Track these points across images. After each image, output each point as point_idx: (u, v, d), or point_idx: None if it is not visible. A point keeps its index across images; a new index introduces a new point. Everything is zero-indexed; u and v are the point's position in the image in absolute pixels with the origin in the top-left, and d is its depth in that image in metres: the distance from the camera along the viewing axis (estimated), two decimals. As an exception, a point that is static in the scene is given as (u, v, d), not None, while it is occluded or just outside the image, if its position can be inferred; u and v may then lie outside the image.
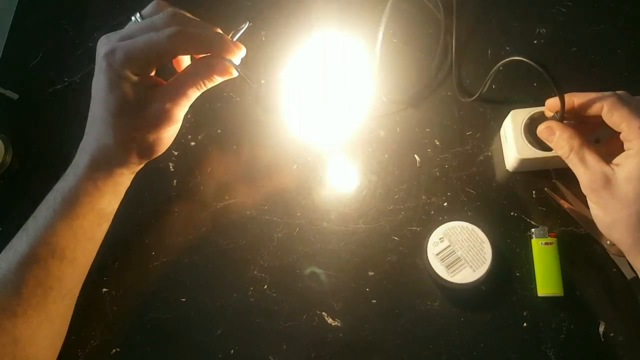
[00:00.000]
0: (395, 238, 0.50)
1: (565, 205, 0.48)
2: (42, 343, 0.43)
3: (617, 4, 0.55)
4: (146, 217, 0.53)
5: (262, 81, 0.45)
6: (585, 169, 0.40)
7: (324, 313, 0.48)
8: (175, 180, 0.54)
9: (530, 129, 0.46)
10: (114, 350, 0.49)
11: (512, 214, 0.49)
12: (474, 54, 0.55)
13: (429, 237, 0.46)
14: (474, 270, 0.45)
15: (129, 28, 0.42)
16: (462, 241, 0.46)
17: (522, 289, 0.47)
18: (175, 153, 0.54)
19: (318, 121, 0.52)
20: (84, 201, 0.43)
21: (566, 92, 0.42)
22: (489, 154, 0.52)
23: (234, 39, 0.44)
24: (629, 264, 0.46)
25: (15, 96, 0.58)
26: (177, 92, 0.41)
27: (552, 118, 0.44)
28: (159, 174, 0.54)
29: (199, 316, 0.49)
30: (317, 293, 0.49)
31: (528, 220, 0.49)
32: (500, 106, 0.52)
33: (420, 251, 0.49)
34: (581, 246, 0.48)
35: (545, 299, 0.46)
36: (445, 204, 0.50)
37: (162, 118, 0.42)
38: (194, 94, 0.42)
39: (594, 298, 0.46)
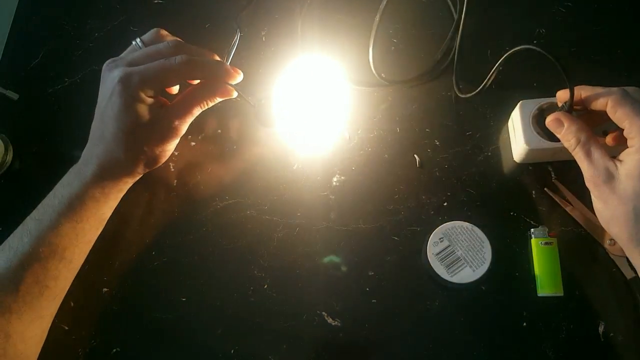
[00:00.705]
0: (395, 238, 0.50)
1: (565, 205, 0.48)
2: (31, 340, 0.45)
3: (617, 4, 0.55)
4: (146, 217, 0.53)
5: (262, 100, 0.51)
6: (590, 162, 0.41)
7: (324, 313, 0.48)
8: (175, 180, 0.54)
9: (539, 120, 0.46)
10: (114, 350, 0.49)
11: (512, 214, 0.49)
12: (473, 54, 0.55)
13: (428, 237, 0.46)
14: (473, 270, 0.45)
15: (135, 54, 0.47)
16: (462, 241, 0.46)
17: (522, 289, 0.47)
18: (176, 153, 0.54)
19: (314, 128, 0.53)
20: (89, 206, 0.46)
21: (576, 85, 0.42)
22: (489, 153, 0.52)
23: (231, 53, 0.51)
24: (629, 262, 0.46)
25: (15, 96, 0.58)
26: (184, 111, 0.47)
27: (561, 109, 0.44)
28: (159, 174, 0.54)
29: (199, 316, 0.49)
30: (317, 293, 0.49)
31: (528, 220, 0.49)
32: (500, 106, 0.52)
33: (420, 251, 0.49)
34: (581, 246, 0.48)
35: (545, 298, 0.46)
36: (445, 203, 0.50)
37: (170, 134, 0.47)
38: (197, 112, 0.48)
39: (593, 298, 0.46)
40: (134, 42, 0.48)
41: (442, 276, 0.45)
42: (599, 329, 0.46)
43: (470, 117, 0.53)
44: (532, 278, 0.47)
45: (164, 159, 0.49)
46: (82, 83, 0.59)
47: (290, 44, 0.57)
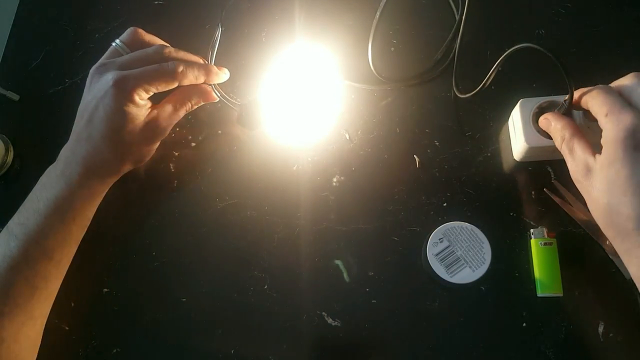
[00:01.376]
0: (395, 238, 0.50)
1: (565, 205, 0.48)
2: (25, 342, 0.45)
3: (617, 4, 0.55)
4: (147, 217, 0.53)
5: (239, 102, 0.53)
6: (572, 159, 0.41)
7: (324, 313, 0.48)
8: (175, 181, 0.54)
9: (539, 118, 0.46)
10: (114, 351, 0.49)
11: (511, 214, 0.49)
12: (472, 54, 0.55)
13: (428, 238, 0.46)
14: (473, 271, 0.45)
15: (124, 58, 0.48)
16: (462, 241, 0.46)
17: (522, 289, 0.47)
18: (176, 154, 0.55)
19: (313, 127, 0.53)
20: (77, 207, 0.47)
21: (575, 85, 0.42)
22: (489, 154, 0.52)
23: (215, 48, 0.52)
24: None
25: (16, 97, 0.58)
26: (172, 113, 0.50)
27: (561, 107, 0.44)
28: (160, 174, 0.54)
29: (199, 316, 0.49)
30: (317, 293, 0.49)
31: (527, 220, 0.49)
32: (500, 107, 0.52)
33: (419, 251, 0.49)
34: (580, 246, 0.48)
35: (545, 299, 0.46)
36: (444, 204, 0.50)
37: (158, 134, 0.49)
38: (183, 114, 0.51)
39: (593, 298, 0.46)
40: (114, 44, 0.49)
41: (442, 276, 0.45)
42: (599, 329, 0.46)
43: (470, 117, 0.53)
44: (531, 278, 0.47)
45: (148, 157, 0.51)
46: (83, 84, 0.58)
47: (290, 44, 0.57)
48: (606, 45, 0.54)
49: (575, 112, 0.44)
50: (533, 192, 0.50)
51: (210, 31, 0.59)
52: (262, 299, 0.49)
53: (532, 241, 0.47)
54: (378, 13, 0.57)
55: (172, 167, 0.54)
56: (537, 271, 0.46)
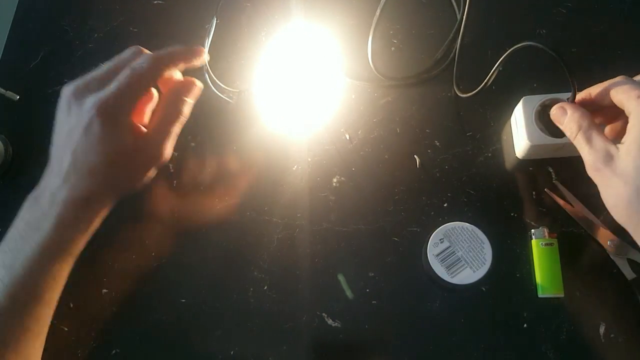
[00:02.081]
0: (396, 239, 0.50)
1: (566, 206, 0.48)
2: None
3: (617, 4, 0.55)
4: (146, 218, 0.53)
5: (233, 99, 0.50)
6: (591, 148, 0.40)
7: (324, 314, 0.48)
8: (175, 181, 0.54)
9: (542, 116, 0.46)
10: (114, 351, 0.49)
11: (512, 214, 0.49)
12: (473, 54, 0.55)
13: (429, 238, 0.46)
14: (474, 271, 0.45)
15: (95, 72, 0.44)
16: (463, 242, 0.46)
17: (523, 289, 0.47)
18: (175, 154, 0.54)
19: (313, 127, 0.53)
20: (66, 248, 0.43)
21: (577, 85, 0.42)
22: (489, 154, 0.52)
23: (209, 39, 0.49)
24: (630, 263, 0.46)
25: (15, 97, 0.58)
26: (166, 136, 0.45)
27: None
28: (159, 174, 0.53)
29: (199, 317, 0.49)
30: (317, 294, 0.49)
31: (528, 221, 0.49)
32: (501, 107, 0.52)
33: (420, 252, 0.48)
34: (581, 247, 0.48)
35: (546, 299, 0.46)
36: (445, 204, 0.50)
37: (154, 161, 0.45)
38: (178, 130, 0.46)
39: (594, 299, 0.46)
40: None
41: (443, 277, 0.45)
42: (600, 330, 0.45)
43: (471, 117, 0.53)
44: (532, 279, 0.47)
45: (141, 186, 0.47)
46: (82, 84, 0.58)
47: (290, 45, 0.57)
48: (606, 45, 0.54)
49: None
50: (534, 193, 0.50)
51: (209, 31, 0.59)
52: (261, 299, 0.49)
53: (533, 242, 0.47)
54: (378, 11, 0.57)
55: (171, 168, 0.54)
56: (538, 272, 0.46)
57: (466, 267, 0.45)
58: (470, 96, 0.51)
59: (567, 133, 0.42)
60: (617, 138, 0.41)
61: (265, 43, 0.58)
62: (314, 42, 0.56)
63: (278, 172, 0.53)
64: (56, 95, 0.59)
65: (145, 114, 0.48)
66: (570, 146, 0.42)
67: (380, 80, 0.55)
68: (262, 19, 0.59)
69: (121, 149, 0.43)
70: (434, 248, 0.46)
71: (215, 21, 0.52)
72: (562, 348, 0.45)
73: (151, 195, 0.53)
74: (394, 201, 0.51)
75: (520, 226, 0.49)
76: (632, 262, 0.46)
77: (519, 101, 0.48)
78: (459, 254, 0.45)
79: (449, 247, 0.46)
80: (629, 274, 0.46)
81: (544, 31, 0.55)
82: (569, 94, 0.43)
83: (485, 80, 0.48)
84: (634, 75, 0.42)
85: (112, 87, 0.43)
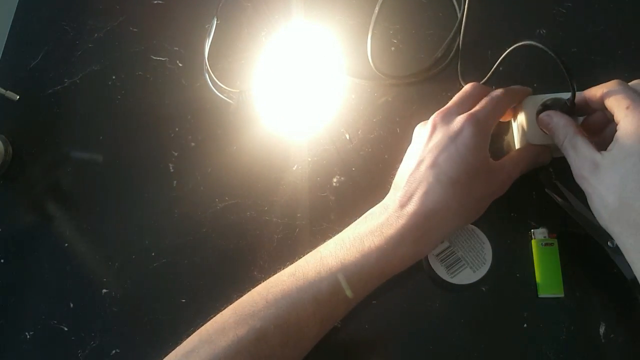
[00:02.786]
0: (395, 239, 0.50)
1: (566, 205, 0.48)
2: None
3: (617, 4, 0.55)
4: (146, 217, 0.53)
5: (233, 99, 0.50)
6: (576, 155, 0.40)
7: (324, 314, 0.48)
8: (175, 181, 0.54)
9: (538, 116, 0.46)
10: (113, 351, 0.49)
11: (512, 214, 0.49)
12: (473, 54, 0.55)
13: (429, 238, 0.46)
14: (474, 271, 0.45)
15: (447, 106, 0.45)
16: (463, 242, 0.46)
17: (523, 289, 0.47)
18: (175, 154, 0.54)
19: (313, 126, 0.53)
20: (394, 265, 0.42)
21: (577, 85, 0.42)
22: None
23: (209, 39, 0.49)
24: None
25: (15, 97, 0.58)
26: (516, 169, 0.45)
27: (564, 106, 0.44)
28: (159, 174, 0.54)
29: (199, 317, 0.49)
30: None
31: (528, 221, 0.49)
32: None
33: (420, 252, 0.48)
34: (581, 247, 0.48)
35: (546, 299, 0.46)
36: (445, 204, 0.50)
37: (498, 193, 0.44)
38: (526, 170, 0.46)
39: (594, 299, 0.46)
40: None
41: (443, 277, 0.45)
42: (600, 330, 0.45)
43: (471, 117, 0.53)
44: (532, 279, 0.47)
45: (478, 216, 0.44)
46: (82, 84, 0.59)
47: (290, 45, 0.57)
48: (606, 45, 0.54)
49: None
50: (534, 193, 0.50)
51: (209, 31, 0.59)
52: (262, 299, 0.49)
53: (533, 241, 0.47)
54: (376, 9, 0.57)
55: (171, 168, 0.54)
56: (538, 272, 0.46)
57: (466, 267, 0.45)
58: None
59: (555, 140, 0.43)
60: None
61: (266, 43, 0.58)
62: (314, 42, 0.56)
63: (278, 172, 0.53)
64: (56, 95, 0.59)
65: None
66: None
67: (381, 78, 0.55)
68: (262, 19, 0.59)
69: (483, 165, 0.42)
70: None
71: (215, 21, 0.52)
72: (562, 348, 0.45)
73: (151, 195, 0.53)
74: (394, 201, 0.51)
75: (520, 226, 0.49)
76: (632, 262, 0.46)
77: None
78: (459, 253, 0.45)
79: (449, 247, 0.46)
80: (629, 273, 0.46)
81: (544, 31, 0.55)
82: (569, 94, 0.43)
83: (484, 80, 0.48)
84: (634, 76, 0.42)
85: (478, 107, 0.44)
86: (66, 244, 0.53)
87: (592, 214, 0.43)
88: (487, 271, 0.45)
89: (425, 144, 0.44)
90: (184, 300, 0.50)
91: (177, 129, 0.55)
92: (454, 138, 0.42)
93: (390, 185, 0.52)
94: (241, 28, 0.59)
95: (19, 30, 0.62)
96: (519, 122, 0.48)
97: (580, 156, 0.40)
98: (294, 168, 0.53)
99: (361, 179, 0.52)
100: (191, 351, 0.40)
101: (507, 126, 0.52)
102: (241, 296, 0.49)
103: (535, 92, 0.48)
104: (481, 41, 0.55)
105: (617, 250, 0.46)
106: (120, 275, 0.51)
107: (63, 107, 0.58)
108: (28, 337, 0.50)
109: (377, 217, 0.43)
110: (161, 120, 0.56)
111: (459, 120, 0.43)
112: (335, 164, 0.53)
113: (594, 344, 0.45)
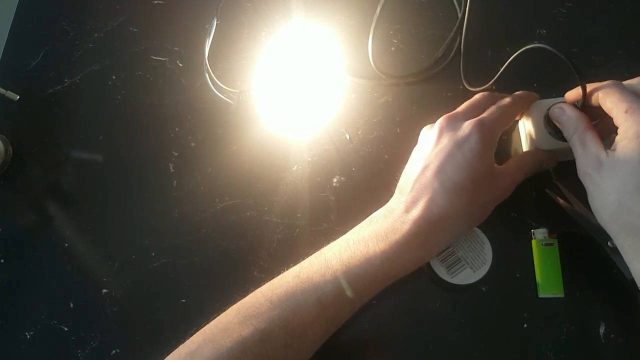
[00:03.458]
0: (396, 239, 0.50)
1: (566, 206, 0.48)
2: None
3: (617, 4, 0.55)
4: (146, 217, 0.53)
5: (233, 99, 0.50)
6: (583, 151, 0.41)
7: (324, 314, 0.48)
8: (175, 181, 0.54)
9: (550, 120, 0.46)
10: (114, 351, 0.49)
11: (512, 214, 0.49)
12: (473, 55, 0.55)
13: (429, 238, 0.46)
14: (474, 271, 0.45)
15: (454, 112, 0.45)
16: (463, 242, 0.46)
17: (523, 289, 0.47)
18: (175, 154, 0.54)
19: (313, 126, 0.53)
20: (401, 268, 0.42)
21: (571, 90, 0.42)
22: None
23: (209, 39, 0.50)
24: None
25: (15, 97, 0.58)
26: (520, 174, 0.45)
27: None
28: (159, 174, 0.54)
29: (199, 317, 0.49)
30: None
31: (528, 221, 0.49)
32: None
33: (420, 252, 0.48)
34: (581, 247, 0.48)
35: (546, 299, 0.46)
36: (445, 204, 0.50)
37: (501, 198, 0.44)
38: (529, 174, 0.46)
39: (594, 299, 0.46)
40: None
41: (443, 277, 0.45)
42: (600, 330, 0.45)
43: (471, 117, 0.53)
44: (532, 279, 0.47)
45: (481, 221, 0.45)
46: (82, 84, 0.59)
47: (290, 45, 0.57)
48: (606, 45, 0.54)
49: None
50: (534, 193, 0.50)
51: (210, 30, 0.59)
52: (262, 299, 0.49)
53: (533, 242, 0.47)
54: (378, 9, 0.57)
55: (171, 168, 0.54)
56: (538, 272, 0.46)
57: (466, 267, 0.45)
58: (477, 91, 0.51)
59: (564, 132, 0.43)
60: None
61: (266, 43, 0.58)
62: (314, 42, 0.56)
63: (278, 172, 0.53)
64: (56, 95, 0.59)
65: None
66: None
67: (381, 78, 0.55)
68: (263, 19, 0.59)
69: (488, 172, 0.42)
70: (434, 248, 0.46)
71: (215, 21, 0.52)
72: (562, 348, 0.45)
73: (151, 194, 0.53)
74: (394, 201, 0.51)
75: (520, 226, 0.49)
76: (632, 262, 0.46)
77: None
78: (459, 254, 0.45)
79: (449, 247, 0.46)
80: (629, 274, 0.46)
81: (544, 31, 0.55)
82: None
83: (490, 83, 0.48)
84: (634, 76, 0.42)
85: (486, 113, 0.44)
86: (66, 244, 0.53)
87: (593, 214, 0.43)
88: (487, 271, 0.45)
89: (432, 148, 0.43)
90: (184, 300, 0.50)
91: (177, 129, 0.55)
92: (460, 144, 0.42)
93: (391, 186, 0.52)
94: (241, 28, 0.59)
95: (19, 30, 0.62)
96: (526, 127, 0.48)
97: (587, 152, 0.40)
98: (294, 168, 0.53)
99: (361, 179, 0.52)
100: (195, 350, 0.40)
101: (505, 132, 0.52)
102: (242, 296, 0.49)
103: (537, 93, 0.48)
104: (481, 41, 0.55)
105: (617, 250, 0.46)
106: (120, 275, 0.51)
107: (63, 107, 0.58)
108: (28, 337, 0.50)
109: (382, 221, 0.43)
110: (161, 120, 0.56)
111: (466, 126, 0.43)
112: (335, 164, 0.53)
113: (594, 344, 0.45)
